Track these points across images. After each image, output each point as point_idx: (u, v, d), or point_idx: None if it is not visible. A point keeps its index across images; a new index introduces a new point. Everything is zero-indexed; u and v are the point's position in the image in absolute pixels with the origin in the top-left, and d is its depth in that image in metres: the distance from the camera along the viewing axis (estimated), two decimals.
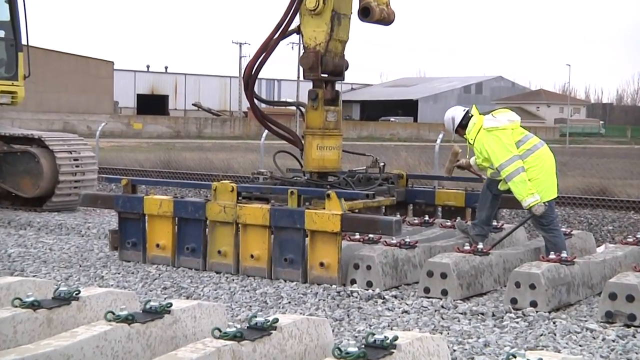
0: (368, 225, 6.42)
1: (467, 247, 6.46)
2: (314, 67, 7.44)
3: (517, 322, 5.33)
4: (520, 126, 6.96)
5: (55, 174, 10.88)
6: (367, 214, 6.88)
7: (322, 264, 6.40)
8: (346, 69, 7.74)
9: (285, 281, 6.56)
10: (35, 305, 3.83)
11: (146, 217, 7.28)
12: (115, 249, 7.55)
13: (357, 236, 6.81)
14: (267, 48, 7.63)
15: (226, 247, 6.86)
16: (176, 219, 7.12)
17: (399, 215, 7.85)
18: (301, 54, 7.71)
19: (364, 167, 8.33)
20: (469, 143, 6.99)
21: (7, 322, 3.68)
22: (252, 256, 6.71)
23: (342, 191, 6.75)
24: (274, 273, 6.65)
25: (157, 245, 7.20)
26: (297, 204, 6.59)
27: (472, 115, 7.03)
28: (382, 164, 8.24)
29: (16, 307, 3.81)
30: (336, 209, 6.39)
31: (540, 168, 6.74)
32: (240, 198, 6.91)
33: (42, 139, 11.08)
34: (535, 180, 6.69)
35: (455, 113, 7.16)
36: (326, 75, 7.59)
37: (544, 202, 6.67)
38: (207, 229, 7.00)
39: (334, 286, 6.33)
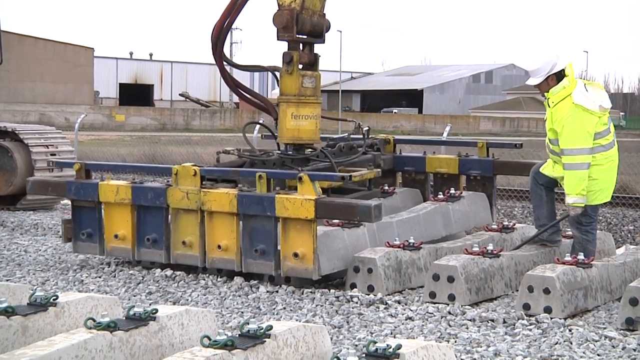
0: (345, 211, 6.23)
1: (475, 249, 6.47)
2: (288, 26, 7.28)
3: (530, 330, 5.34)
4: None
5: (30, 169, 10.87)
6: (343, 199, 6.65)
7: (296, 255, 6.23)
8: (327, 29, 7.57)
9: (280, 285, 6.56)
10: (9, 312, 3.83)
11: (102, 205, 7.06)
12: (68, 241, 7.37)
13: (336, 220, 6.63)
14: (236, 6, 7.51)
15: (191, 237, 6.69)
16: (135, 206, 6.93)
17: (386, 186, 7.79)
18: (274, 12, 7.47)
19: (346, 134, 8.23)
20: (547, 104, 6.62)
21: None
22: (219, 247, 6.55)
23: (315, 174, 6.58)
24: (244, 265, 6.51)
25: (116, 236, 6.99)
26: (267, 188, 6.41)
27: (566, 75, 6.56)
28: (366, 128, 8.11)
29: None
30: (310, 193, 6.20)
31: (606, 169, 6.58)
32: (204, 182, 6.74)
33: (16, 131, 11.07)
34: (596, 180, 6.55)
35: (559, 59, 6.55)
36: (303, 36, 7.46)
37: (594, 205, 6.62)
38: (169, 218, 6.85)
39: (332, 291, 6.34)
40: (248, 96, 8.01)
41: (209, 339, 3.42)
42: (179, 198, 6.70)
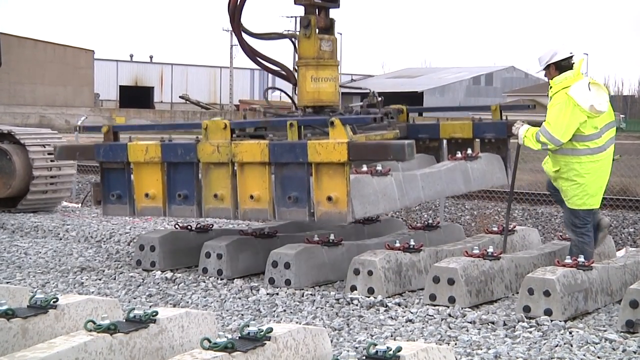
0: (378, 151, 6.28)
1: (476, 251, 6.47)
2: None
3: (531, 332, 5.34)
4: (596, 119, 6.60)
5: (29, 171, 10.88)
6: (375, 141, 6.67)
7: (329, 199, 6.24)
8: None
9: (280, 287, 6.57)
10: (9, 314, 3.83)
11: (131, 166, 7.11)
12: (98, 204, 7.42)
13: (365, 168, 6.63)
14: None
15: (222, 190, 6.70)
16: (165, 164, 6.98)
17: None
18: None
19: (360, 103, 8.30)
20: (549, 92, 6.71)
21: None
22: (251, 197, 6.55)
23: (346, 117, 6.57)
24: (277, 214, 6.54)
25: (146, 195, 7.02)
26: (298, 136, 6.44)
27: (573, 64, 6.67)
28: (380, 98, 8.20)
29: None
30: (341, 137, 6.22)
31: (592, 172, 6.61)
32: (233, 136, 6.79)
33: (14, 133, 11.08)
34: (581, 185, 6.60)
35: (560, 50, 6.71)
36: (319, 1, 7.60)
37: (585, 209, 6.66)
38: (199, 173, 6.88)
39: (332, 293, 6.34)
40: (266, 64, 8.01)
41: (209, 342, 3.42)
42: (209, 152, 6.72)
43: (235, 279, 6.90)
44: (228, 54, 70.25)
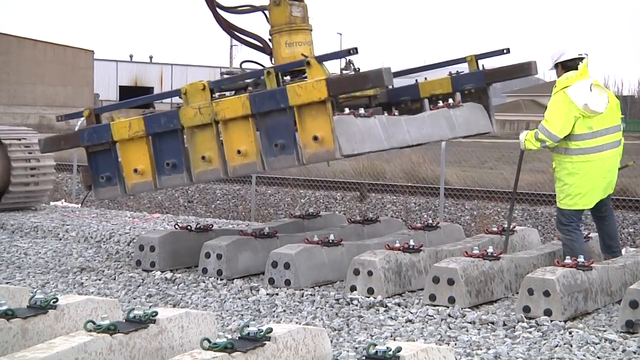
0: (357, 82, 6.31)
1: (476, 251, 6.47)
2: None
3: (530, 332, 5.34)
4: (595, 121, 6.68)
5: (8, 170, 10.91)
6: (353, 73, 6.68)
7: (315, 138, 6.25)
8: None
9: (280, 287, 6.57)
10: (8, 315, 3.83)
11: (117, 145, 7.12)
12: (88, 188, 7.44)
13: (347, 111, 6.65)
14: None
15: (209, 151, 6.73)
16: (150, 137, 6.99)
17: (386, 113, 7.77)
18: None
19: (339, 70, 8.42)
20: (553, 90, 6.82)
21: None
22: (239, 152, 6.59)
23: (322, 55, 6.64)
24: (266, 165, 6.55)
25: (135, 171, 7.04)
26: (277, 83, 6.47)
27: (578, 64, 6.75)
28: (358, 67, 8.08)
29: None
30: (319, 74, 6.26)
31: (582, 173, 6.67)
32: (214, 96, 6.82)
33: None
34: (571, 185, 6.69)
35: (568, 50, 6.85)
36: None
37: (574, 209, 6.76)
38: (185, 140, 6.90)
39: (332, 293, 6.34)
40: (242, 36, 8.05)
41: (209, 342, 3.42)
42: (191, 116, 6.74)
43: (235, 279, 6.90)
44: (228, 54, 70.24)
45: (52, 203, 13.29)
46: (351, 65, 8.02)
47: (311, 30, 7.67)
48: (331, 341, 4.73)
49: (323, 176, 15.92)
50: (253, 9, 7.91)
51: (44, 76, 54.99)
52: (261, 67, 7.80)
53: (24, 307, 4.01)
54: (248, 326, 3.57)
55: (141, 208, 14.24)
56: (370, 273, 6.35)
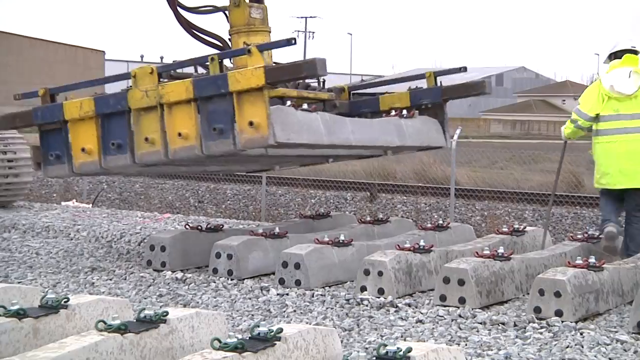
0: (293, 70, 6.49)
1: (486, 252, 6.46)
2: None
3: (541, 333, 5.32)
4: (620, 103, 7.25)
5: None
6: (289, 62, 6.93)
7: (251, 124, 6.42)
8: None
9: (290, 288, 6.57)
10: (20, 314, 3.84)
11: (68, 125, 7.25)
12: (38, 167, 7.60)
13: (289, 103, 6.81)
14: None
15: (153, 134, 6.88)
16: (99, 118, 7.11)
17: None
18: None
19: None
20: None
21: None
22: (179, 135, 6.73)
23: (262, 44, 6.85)
24: (204, 148, 6.69)
25: (83, 150, 7.19)
26: (220, 69, 6.66)
27: (620, 57, 7.28)
28: (323, 79, 8.41)
29: (0, 316, 3.82)
30: (259, 62, 6.47)
31: (606, 153, 7.27)
32: (162, 80, 6.97)
33: None
34: (599, 165, 7.34)
35: (620, 42, 7.44)
36: None
37: (598, 188, 7.52)
38: (132, 122, 7.03)
39: (342, 294, 6.34)
40: (202, 36, 8.17)
41: (220, 342, 3.42)
42: (139, 98, 6.92)
43: (246, 280, 6.91)
44: None
45: (63, 203, 13.35)
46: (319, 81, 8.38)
47: (270, 32, 7.87)
48: (341, 341, 4.73)
49: (333, 176, 15.92)
50: (215, 9, 8.09)
51: (55, 76, 55.17)
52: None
53: (36, 307, 4.03)
54: (258, 326, 3.57)
55: (152, 208, 14.27)
56: (380, 273, 6.34)
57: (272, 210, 14.06)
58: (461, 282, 6.02)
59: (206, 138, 6.64)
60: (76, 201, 13.79)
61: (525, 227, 7.97)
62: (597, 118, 7.28)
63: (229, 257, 7.02)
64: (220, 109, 6.58)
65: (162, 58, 79.54)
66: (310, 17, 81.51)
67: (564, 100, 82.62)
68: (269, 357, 3.48)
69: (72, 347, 3.44)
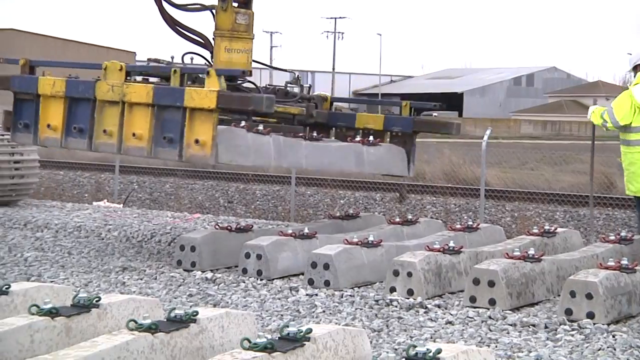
0: (242, 102, 6.91)
1: (516, 253, 6.41)
2: None
3: (573, 335, 5.28)
4: None
5: None
6: (242, 93, 7.22)
7: (197, 141, 6.81)
8: None
9: (319, 289, 6.57)
10: (53, 313, 3.88)
11: (40, 98, 7.69)
12: (7, 130, 8.14)
13: (243, 124, 7.09)
14: None
15: (112, 127, 7.29)
16: (68, 99, 7.56)
17: (315, 133, 8.25)
18: None
19: (285, 83, 8.75)
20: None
21: (24, 330, 3.74)
22: (134, 135, 7.14)
23: (220, 69, 7.17)
24: (153, 152, 7.14)
25: (48, 126, 7.66)
26: (180, 83, 6.98)
27: None
28: (308, 85, 8.78)
29: (33, 314, 3.87)
30: (214, 86, 6.77)
31: (636, 162, 7.86)
32: (129, 78, 7.33)
33: None
34: (629, 173, 7.91)
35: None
36: None
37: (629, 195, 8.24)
38: (96, 110, 7.42)
39: (372, 294, 6.33)
40: (186, 33, 8.34)
41: (249, 342, 3.43)
42: (105, 91, 7.34)
43: (275, 280, 6.92)
44: (268, 55, 70.48)
45: (94, 203, 13.47)
46: (299, 80, 8.66)
47: (252, 38, 8.12)
48: (371, 342, 4.72)
49: (362, 177, 15.89)
50: (203, 7, 8.28)
51: (86, 77, 55.66)
52: (203, 59, 8.32)
53: (68, 306, 4.06)
54: (288, 326, 3.57)
55: (182, 208, 14.35)
56: (409, 274, 6.32)
57: (301, 211, 14.07)
58: (491, 284, 5.98)
59: (156, 144, 7.08)
60: (107, 201, 13.90)
61: (556, 229, 7.90)
62: (627, 127, 7.87)
63: (259, 257, 7.04)
64: (173, 120, 6.98)
65: (192, 59, 79.96)
66: (340, 17, 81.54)
67: (596, 101, 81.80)
68: (299, 357, 3.48)
69: (103, 346, 3.47)
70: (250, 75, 7.55)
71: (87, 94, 7.45)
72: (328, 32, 74.25)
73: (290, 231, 7.54)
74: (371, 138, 8.29)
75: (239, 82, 8.02)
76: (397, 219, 8.65)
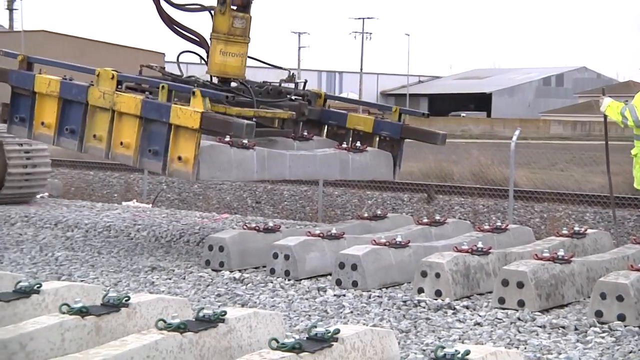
0: (223, 126, 7.05)
1: (546, 254, 6.36)
2: None
3: (603, 337, 5.22)
4: None
5: (4, 166, 11.38)
6: (224, 116, 7.32)
7: (180, 158, 7.08)
8: None
9: (347, 289, 6.57)
10: (83, 312, 3.92)
11: (36, 95, 7.94)
12: (4, 122, 8.38)
13: (228, 138, 7.32)
14: None
15: (101, 132, 7.59)
16: (62, 100, 7.80)
17: (305, 133, 8.73)
18: None
19: (278, 80, 8.94)
20: None
21: (55, 329, 3.78)
22: (121, 143, 7.43)
23: (205, 90, 7.32)
24: (139, 162, 7.43)
25: (42, 123, 7.96)
26: (167, 98, 7.20)
27: None
28: (304, 80, 9.01)
29: (64, 313, 3.90)
30: (199, 107, 7.01)
31: None
32: (120, 87, 7.55)
33: None
34: None
35: None
36: None
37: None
38: (87, 114, 7.68)
39: (399, 295, 6.32)
40: (183, 32, 8.49)
41: (277, 342, 3.44)
42: (96, 97, 7.61)
43: (303, 280, 6.93)
44: (296, 55, 70.54)
45: (124, 203, 13.57)
46: (293, 78, 8.90)
47: (248, 42, 8.30)
48: (399, 343, 4.71)
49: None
50: (202, 8, 8.44)
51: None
52: (199, 57, 8.58)
53: (98, 305, 4.10)
54: (316, 327, 3.57)
55: (210, 208, 14.41)
56: (438, 275, 6.30)
57: (328, 212, 14.08)
58: (520, 285, 5.94)
59: (142, 154, 7.36)
60: (136, 201, 14.00)
61: (586, 230, 7.84)
62: None
63: (287, 257, 7.05)
64: (159, 134, 7.23)
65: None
66: (368, 18, 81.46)
67: (627, 101, 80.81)
68: (326, 357, 3.48)
69: (133, 345, 3.50)
70: (233, 100, 7.62)
71: (80, 97, 7.68)
72: (356, 32, 74.10)
73: (318, 231, 7.54)
74: (358, 144, 8.56)
75: (232, 81, 8.30)
76: (425, 220, 8.62)
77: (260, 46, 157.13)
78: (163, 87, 7.26)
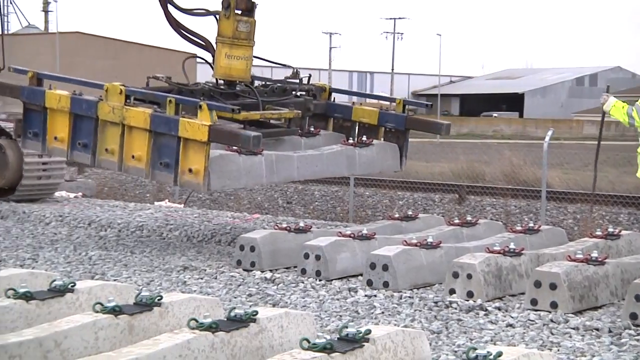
0: (231, 138, 7.22)
1: (579, 256, 6.30)
2: None
3: (638, 340, 5.16)
4: None
5: (21, 165, 11.62)
6: (232, 129, 7.50)
7: (190, 170, 7.24)
8: None
9: (378, 289, 6.56)
10: (116, 311, 3.96)
11: (47, 110, 8.13)
12: (18, 137, 8.67)
13: (235, 148, 7.48)
14: None
15: (113, 146, 7.76)
16: (73, 115, 7.98)
17: (312, 128, 8.83)
18: None
19: (283, 78, 9.12)
20: None
21: (89, 327, 3.82)
22: (133, 157, 7.59)
23: (212, 103, 7.47)
24: (151, 175, 7.58)
25: (55, 138, 8.13)
26: (175, 111, 7.34)
27: None
28: (308, 75, 9.13)
29: (97, 312, 3.94)
30: (206, 120, 7.14)
31: None
32: (129, 100, 7.67)
33: (8, 129, 11.72)
34: None
35: None
36: None
37: None
38: (98, 128, 7.85)
39: (431, 296, 6.29)
40: (189, 35, 8.65)
41: (308, 342, 3.44)
42: (106, 111, 7.77)
43: (334, 280, 6.93)
44: (327, 56, 70.57)
45: (156, 203, 13.67)
46: (297, 74, 9.01)
47: (253, 46, 8.45)
48: (430, 344, 4.69)
49: (421, 178, 15.79)
50: (207, 12, 8.58)
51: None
52: (204, 61, 8.81)
53: (131, 304, 4.13)
54: (347, 327, 3.57)
55: (241, 209, 14.46)
56: (469, 276, 6.26)
57: (359, 212, 14.06)
58: (553, 286, 5.89)
59: (153, 167, 7.52)
60: (168, 201, 14.09)
61: (620, 231, 7.74)
62: None
63: (317, 257, 7.05)
64: (169, 147, 7.39)
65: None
66: (399, 18, 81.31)
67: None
68: (357, 358, 3.48)
69: (165, 344, 3.52)
70: (239, 112, 7.67)
71: (90, 112, 7.83)
72: (387, 32, 74.05)
73: (349, 232, 7.54)
74: (364, 138, 8.67)
75: (237, 84, 8.44)
76: (457, 220, 8.58)
77: (292, 47, 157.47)
78: (170, 100, 7.40)
